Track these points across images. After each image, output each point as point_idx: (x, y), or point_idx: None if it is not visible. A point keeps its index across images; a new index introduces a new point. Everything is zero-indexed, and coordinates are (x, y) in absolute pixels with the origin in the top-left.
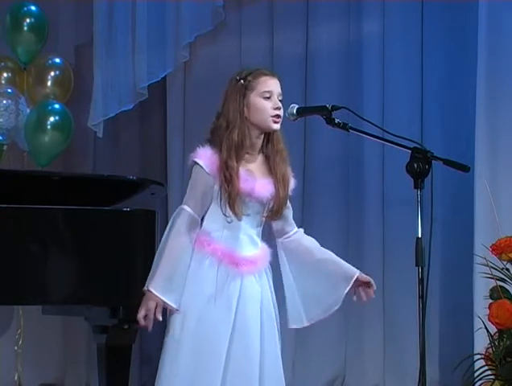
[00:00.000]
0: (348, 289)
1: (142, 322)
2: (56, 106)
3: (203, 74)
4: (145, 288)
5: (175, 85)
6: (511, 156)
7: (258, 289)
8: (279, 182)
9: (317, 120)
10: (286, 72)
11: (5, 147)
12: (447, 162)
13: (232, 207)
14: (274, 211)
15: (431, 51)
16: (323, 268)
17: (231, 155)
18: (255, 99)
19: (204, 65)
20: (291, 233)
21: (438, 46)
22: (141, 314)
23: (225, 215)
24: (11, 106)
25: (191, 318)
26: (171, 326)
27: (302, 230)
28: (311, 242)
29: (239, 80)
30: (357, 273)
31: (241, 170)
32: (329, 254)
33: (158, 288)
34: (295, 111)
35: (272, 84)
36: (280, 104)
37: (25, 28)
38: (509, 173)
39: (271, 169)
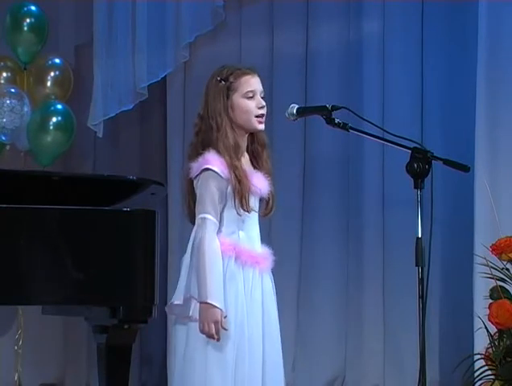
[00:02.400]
0: None
1: (215, 336)
2: (59, 106)
3: (203, 74)
4: (201, 300)
5: (175, 85)
6: (511, 156)
7: (269, 283)
8: (270, 177)
9: (317, 120)
10: (286, 72)
11: (7, 147)
12: (447, 162)
13: (246, 205)
14: (269, 207)
15: (431, 51)
16: None
17: (232, 157)
18: (239, 100)
19: (204, 65)
20: None
21: (438, 46)
22: (210, 328)
23: (239, 214)
24: (17, 106)
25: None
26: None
27: None
28: None
29: (220, 81)
30: None
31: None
32: None
33: (218, 301)
34: (295, 111)
35: (254, 83)
36: (264, 103)
37: (25, 28)
38: (509, 173)
39: (260, 165)
